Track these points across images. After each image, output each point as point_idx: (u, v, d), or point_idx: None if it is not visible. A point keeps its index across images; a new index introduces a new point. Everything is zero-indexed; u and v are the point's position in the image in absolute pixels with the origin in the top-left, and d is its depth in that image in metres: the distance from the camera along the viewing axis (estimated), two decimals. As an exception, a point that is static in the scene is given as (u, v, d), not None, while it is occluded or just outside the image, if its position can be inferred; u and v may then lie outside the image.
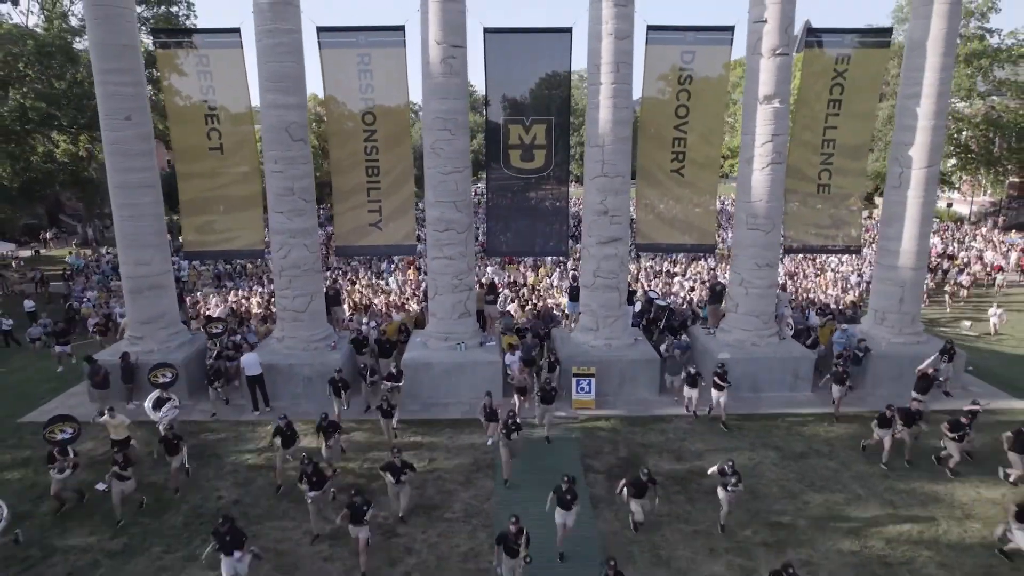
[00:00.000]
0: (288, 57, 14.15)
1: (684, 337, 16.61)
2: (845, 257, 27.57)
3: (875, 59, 15.28)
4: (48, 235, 42.89)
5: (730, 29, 14.81)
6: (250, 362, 14.40)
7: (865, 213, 35.09)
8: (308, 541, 10.11)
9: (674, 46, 14.79)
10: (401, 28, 14.50)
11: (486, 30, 14.62)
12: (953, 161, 41.37)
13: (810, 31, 15.38)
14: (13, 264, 32.91)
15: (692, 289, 22.97)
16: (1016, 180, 45.61)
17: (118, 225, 15.15)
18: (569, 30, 14.64)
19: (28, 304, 23.35)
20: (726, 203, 41.39)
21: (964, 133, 40.53)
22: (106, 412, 12.08)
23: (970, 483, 11.61)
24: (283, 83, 14.20)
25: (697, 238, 16.42)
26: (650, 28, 14.63)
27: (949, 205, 48.98)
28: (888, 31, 15.77)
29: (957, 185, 44.92)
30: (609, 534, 10.28)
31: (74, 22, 36.24)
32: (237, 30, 14.66)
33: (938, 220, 44.04)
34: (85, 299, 24.05)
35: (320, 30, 14.60)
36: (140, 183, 14.85)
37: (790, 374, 15.27)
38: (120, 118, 14.38)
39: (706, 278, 23.93)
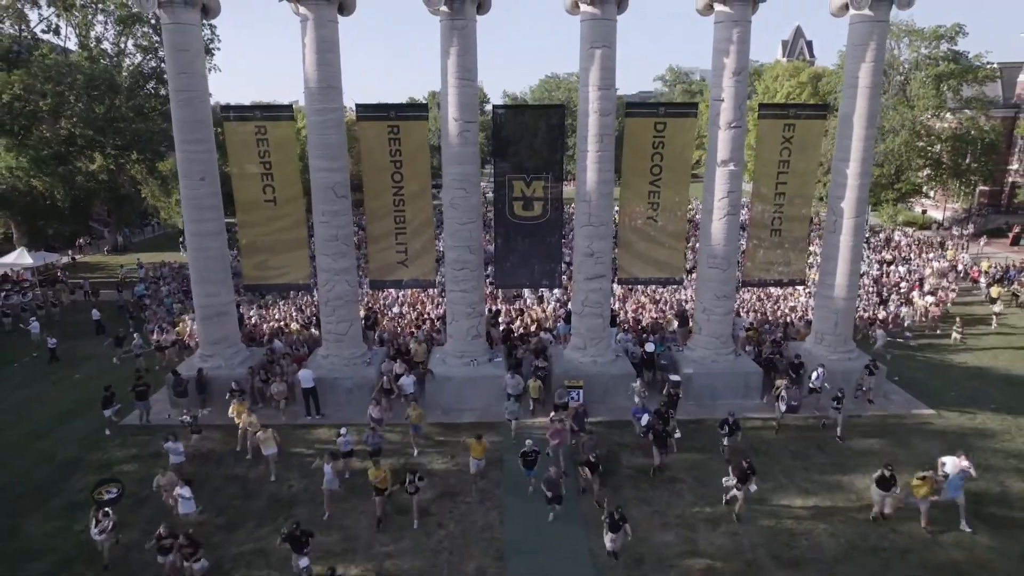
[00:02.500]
0: (333, 130, 17.38)
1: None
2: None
3: (814, 128, 18.52)
4: (82, 242, 46.16)
5: (694, 105, 18.05)
6: (305, 376, 17.76)
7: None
8: (364, 520, 13.51)
9: (649, 119, 17.98)
10: (425, 106, 17.72)
11: (495, 107, 17.85)
12: (927, 171, 44.59)
13: (762, 105, 18.60)
14: (59, 274, 35.72)
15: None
16: (986, 189, 48.83)
17: (192, 264, 18.50)
18: (563, 106, 17.88)
19: (95, 314, 25.99)
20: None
21: (937, 147, 43.66)
22: None
23: (869, 475, 14.97)
24: (328, 151, 17.43)
25: (668, 272, 19.74)
26: (629, 104, 17.84)
27: (923, 212, 52.09)
28: (825, 106, 19.03)
29: (931, 195, 48.18)
30: (590, 513, 13.68)
31: (107, 46, 39.16)
32: (290, 107, 17.92)
33: (914, 227, 47.25)
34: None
35: (359, 106, 17.79)
36: (211, 231, 18.20)
37: (742, 385, 18.67)
38: (196, 179, 17.66)
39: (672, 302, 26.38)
